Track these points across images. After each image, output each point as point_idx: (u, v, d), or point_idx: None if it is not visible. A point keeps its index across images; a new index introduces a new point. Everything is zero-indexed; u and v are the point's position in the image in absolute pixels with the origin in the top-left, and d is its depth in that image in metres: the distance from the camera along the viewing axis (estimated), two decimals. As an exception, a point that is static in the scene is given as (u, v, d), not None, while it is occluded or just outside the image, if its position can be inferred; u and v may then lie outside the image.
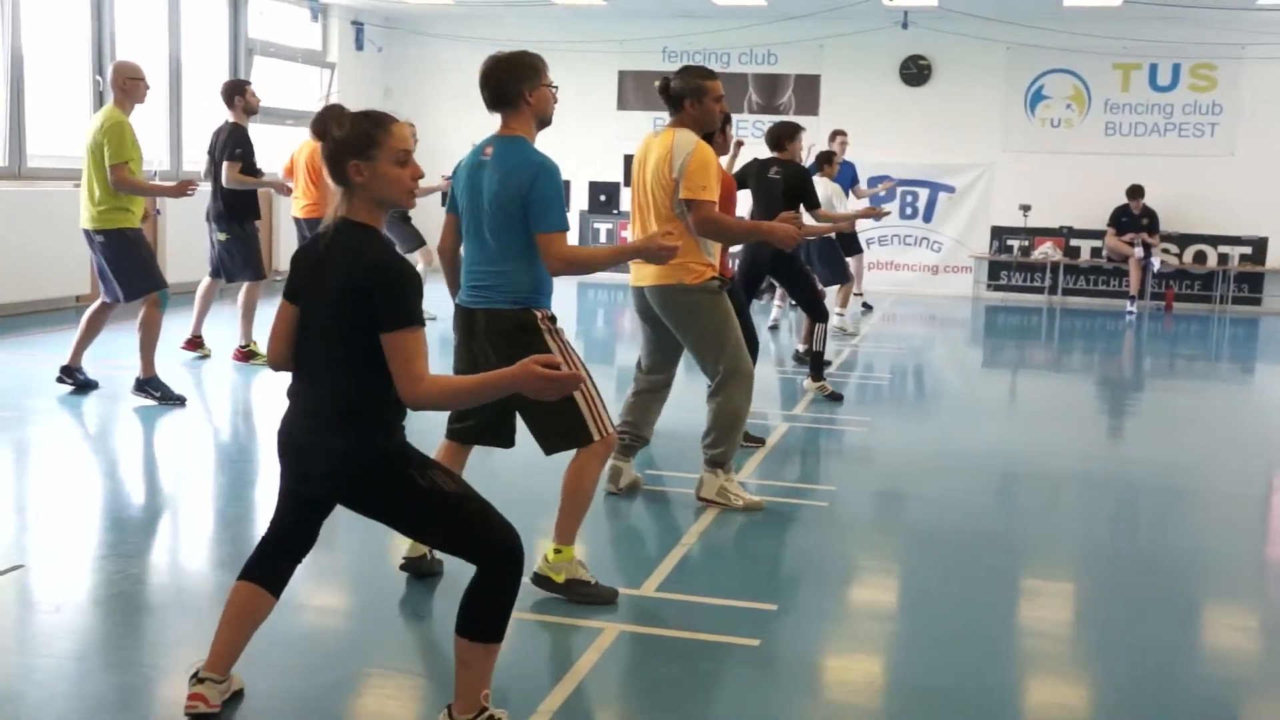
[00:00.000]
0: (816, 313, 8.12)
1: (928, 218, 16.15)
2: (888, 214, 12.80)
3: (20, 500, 5.67)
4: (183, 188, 7.54)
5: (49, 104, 11.65)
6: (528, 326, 4.14)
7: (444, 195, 13.73)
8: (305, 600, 4.23)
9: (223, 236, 8.73)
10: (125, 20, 12.34)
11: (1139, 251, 14.75)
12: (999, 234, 15.81)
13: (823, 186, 10.96)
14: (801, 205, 7.93)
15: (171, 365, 8.27)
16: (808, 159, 12.07)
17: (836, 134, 12.72)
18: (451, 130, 16.03)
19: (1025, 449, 7.29)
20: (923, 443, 7.35)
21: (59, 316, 10.87)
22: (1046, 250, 15.56)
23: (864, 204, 13.11)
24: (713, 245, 5.39)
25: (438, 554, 4.42)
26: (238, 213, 8.72)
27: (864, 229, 15.81)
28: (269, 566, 3.32)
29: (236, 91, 8.85)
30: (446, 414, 4.39)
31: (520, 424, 4.32)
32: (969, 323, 14.04)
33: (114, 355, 8.12)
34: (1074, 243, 15.61)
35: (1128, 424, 8.71)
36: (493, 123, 4.31)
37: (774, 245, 6.42)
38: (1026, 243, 15.63)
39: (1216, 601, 4.73)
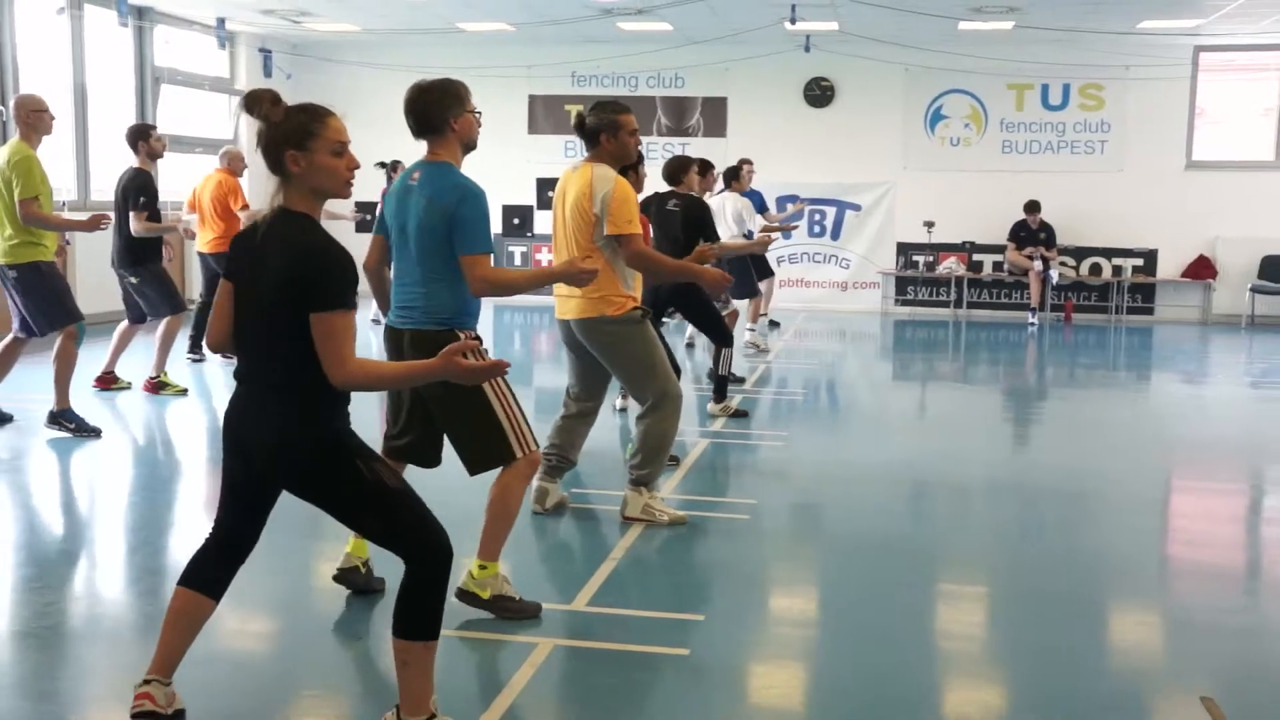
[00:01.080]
0: (721, 338, 8.21)
1: (835, 235, 16.54)
2: (794, 228, 13.15)
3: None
4: (95, 222, 7.47)
5: (-50, 135, 11.44)
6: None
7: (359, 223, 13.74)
8: (243, 622, 4.29)
9: (134, 280, 8.65)
10: (27, 49, 12.18)
11: (1038, 265, 15.27)
12: (905, 250, 16.25)
13: (733, 202, 11.23)
14: (700, 238, 8.02)
15: (85, 397, 8.20)
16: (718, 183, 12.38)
17: (743, 163, 13.06)
18: (361, 155, 16.06)
19: (935, 458, 7.55)
20: (838, 455, 7.59)
21: None
22: (950, 265, 16.03)
23: (763, 230, 13.40)
24: (632, 276, 5.52)
25: (374, 571, 4.52)
26: (141, 255, 8.63)
27: (774, 247, 16.18)
28: (208, 572, 3.40)
29: (141, 136, 8.75)
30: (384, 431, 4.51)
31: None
32: (878, 337, 14.41)
33: (28, 389, 8.02)
34: (976, 257, 16.11)
35: (1032, 431, 9.06)
36: (400, 147, 4.43)
37: (706, 287, 6.60)
38: (931, 258, 16.08)
39: (1121, 599, 4.97)
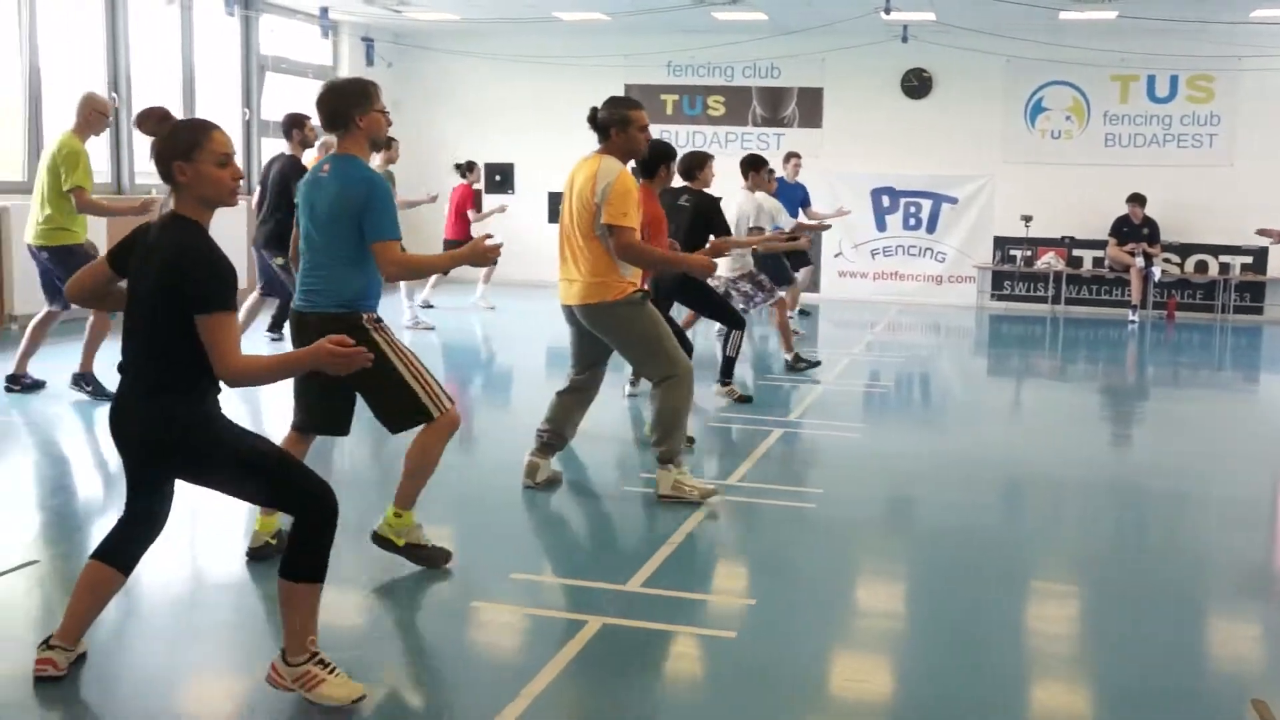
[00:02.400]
0: (733, 322, 8.21)
1: (931, 229, 16.32)
2: (827, 227, 13.14)
3: (36, 500, 5.87)
4: (144, 205, 7.83)
5: (65, 120, 11.90)
6: (353, 327, 4.42)
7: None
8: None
9: (280, 261, 9.02)
10: (139, 38, 12.62)
11: (1140, 261, 14.89)
12: (1002, 244, 15.98)
13: (767, 200, 11.16)
14: (711, 234, 8.01)
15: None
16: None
17: (791, 156, 13.02)
18: (458, 143, 16.34)
19: (1021, 454, 7.43)
20: (917, 448, 7.52)
21: (77, 327, 11.10)
22: (1049, 260, 15.72)
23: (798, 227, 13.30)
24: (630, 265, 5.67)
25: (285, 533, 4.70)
26: (287, 239, 8.95)
27: (868, 239, 16.07)
28: (119, 547, 3.63)
29: (296, 125, 9.13)
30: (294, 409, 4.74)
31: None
32: (972, 332, 14.20)
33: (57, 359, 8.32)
34: (1076, 253, 15.76)
35: (1130, 430, 8.85)
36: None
37: (693, 275, 6.80)
38: (1029, 253, 15.78)
39: (1220, 604, 4.82)
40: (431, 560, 4.69)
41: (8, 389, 7.83)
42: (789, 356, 9.94)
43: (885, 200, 16.13)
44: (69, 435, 7.16)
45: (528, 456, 5.96)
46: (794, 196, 12.89)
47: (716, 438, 7.40)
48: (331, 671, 3.45)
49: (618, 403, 8.18)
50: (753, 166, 9.86)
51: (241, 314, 9.37)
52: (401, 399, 4.51)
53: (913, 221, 16.35)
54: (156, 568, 4.52)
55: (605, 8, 14.63)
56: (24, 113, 11.29)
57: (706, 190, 8.24)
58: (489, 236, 4.69)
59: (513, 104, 16.74)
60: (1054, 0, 13.02)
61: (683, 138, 16.71)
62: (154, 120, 3.45)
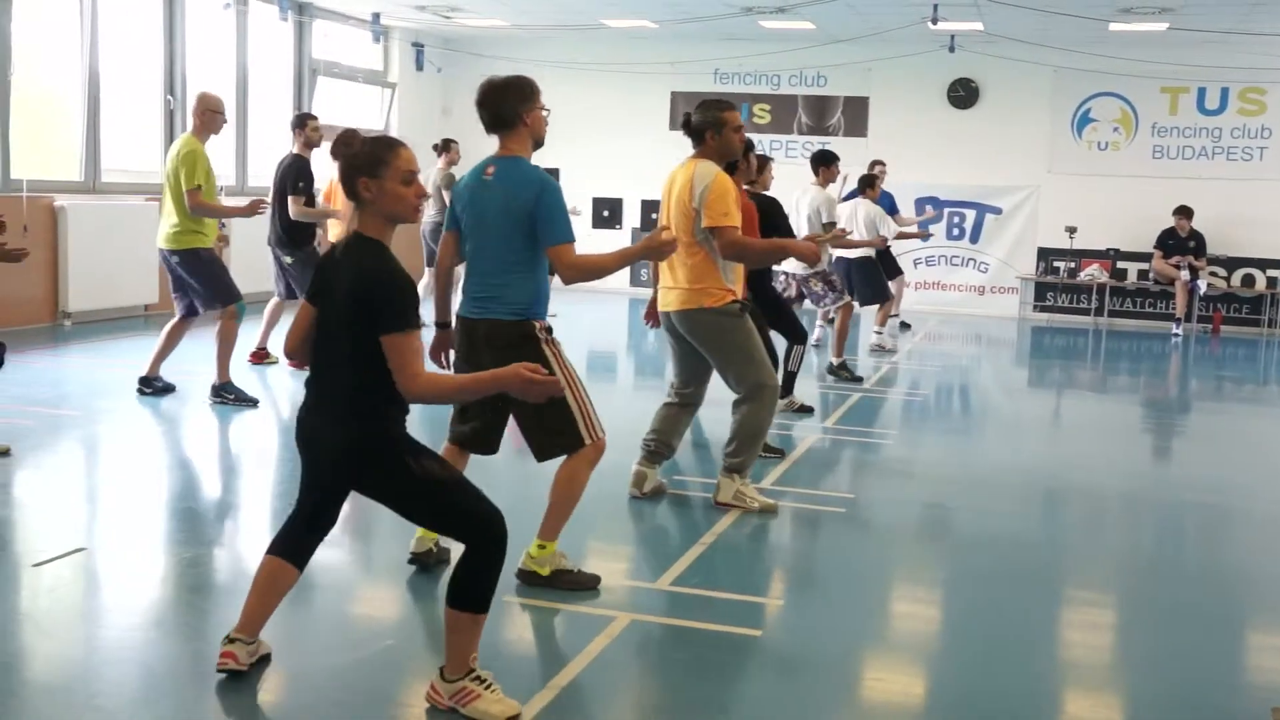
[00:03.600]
0: (795, 336, 8.10)
1: (974, 239, 16.30)
2: (929, 235, 12.95)
3: (87, 491, 6.08)
4: (253, 207, 8.00)
5: (122, 121, 12.22)
6: (526, 336, 4.40)
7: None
8: (340, 584, 4.57)
9: (289, 259, 9.16)
10: (195, 41, 12.90)
11: (1186, 274, 14.79)
12: (1045, 255, 15.92)
13: (865, 209, 11.23)
14: (775, 234, 8.00)
15: (240, 370, 8.69)
16: (845, 186, 12.40)
17: (875, 163, 12.97)
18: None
19: (1058, 464, 7.44)
20: (953, 457, 7.55)
21: (129, 324, 11.40)
22: (1093, 272, 15.63)
23: (907, 229, 13.32)
24: (733, 271, 5.66)
25: (443, 543, 4.75)
26: (298, 238, 9.13)
27: (910, 249, 16.05)
28: (292, 543, 3.70)
29: (298, 125, 9.26)
30: (449, 420, 4.73)
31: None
32: (1014, 343, 14.17)
33: (185, 362, 8.52)
34: (1120, 265, 15.68)
35: (1174, 444, 8.82)
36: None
37: (798, 258, 6.72)
38: (1073, 264, 15.71)
39: (1261, 618, 4.83)
40: (581, 585, 4.54)
41: (140, 392, 7.98)
42: (835, 361, 10.00)
43: (929, 209, 16.12)
44: (195, 436, 7.36)
45: (635, 466, 5.94)
46: (883, 203, 12.78)
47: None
48: (488, 688, 3.44)
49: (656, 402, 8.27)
50: (823, 162, 9.91)
51: (265, 315, 9.48)
52: (560, 420, 4.40)
53: (956, 231, 16.33)
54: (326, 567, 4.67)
55: (653, 15, 14.75)
56: (83, 114, 11.58)
57: (766, 192, 8.22)
58: (666, 228, 4.59)
59: (560, 110, 16.77)
60: (1104, 11, 12.98)
61: (728, 145, 16.77)
62: (343, 143, 3.51)
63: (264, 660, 3.74)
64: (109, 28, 11.75)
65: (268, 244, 9.36)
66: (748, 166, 7.12)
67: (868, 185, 11.50)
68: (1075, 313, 15.89)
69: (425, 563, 4.74)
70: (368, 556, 5.16)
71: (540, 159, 4.62)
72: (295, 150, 9.20)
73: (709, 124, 5.50)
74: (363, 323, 3.31)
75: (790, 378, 8.39)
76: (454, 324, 4.64)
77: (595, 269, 4.56)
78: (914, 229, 13.51)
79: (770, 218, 7.89)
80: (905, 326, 14.02)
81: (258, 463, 6.83)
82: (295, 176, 9.03)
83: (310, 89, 14.96)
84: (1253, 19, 13.01)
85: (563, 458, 4.54)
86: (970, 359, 12.60)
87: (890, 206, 13.05)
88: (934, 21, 13.39)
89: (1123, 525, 6.21)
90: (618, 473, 5.89)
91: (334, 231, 10.26)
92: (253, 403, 7.89)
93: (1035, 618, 4.62)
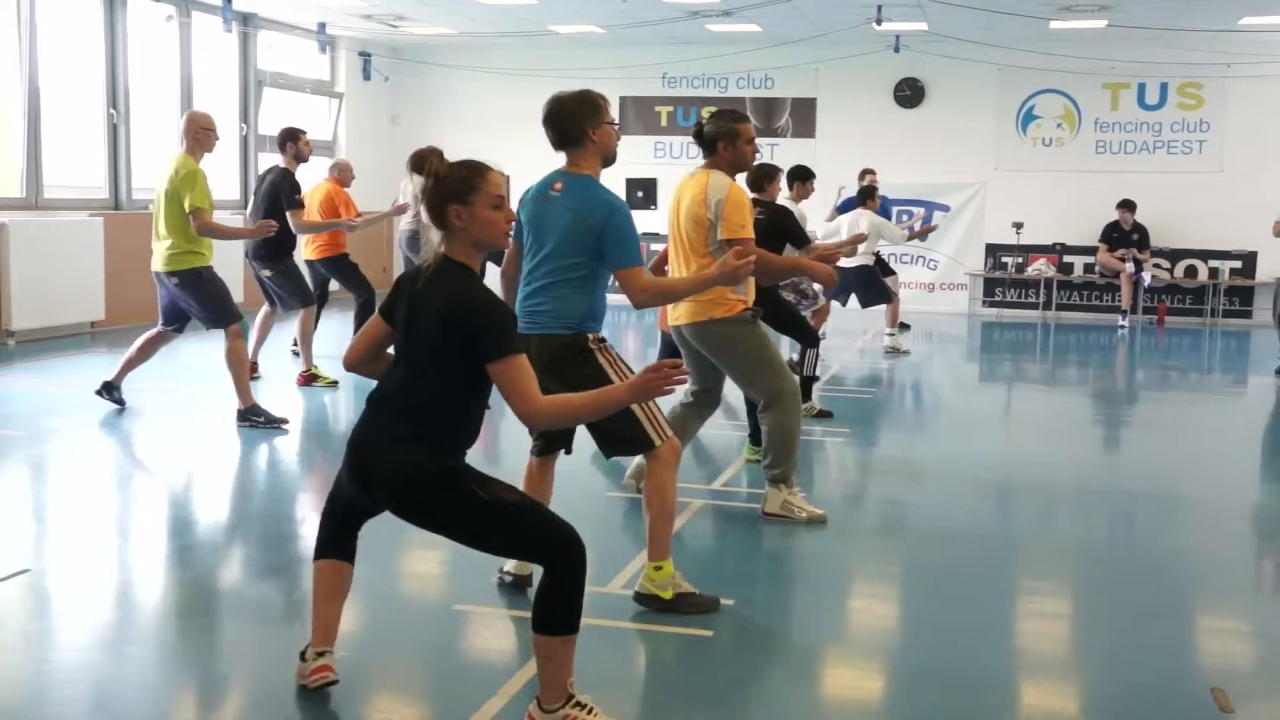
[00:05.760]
0: (805, 339, 8.14)
1: (923, 236, 16.42)
2: (933, 228, 13.02)
3: (33, 511, 6.01)
4: (264, 229, 7.94)
5: (64, 136, 12.08)
6: (579, 348, 4.35)
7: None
8: (293, 596, 4.56)
9: (267, 273, 9.07)
10: (137, 53, 12.78)
11: (1130, 267, 15.02)
12: (993, 251, 16.10)
13: (868, 219, 11.32)
14: (789, 245, 8.00)
15: (223, 390, 8.62)
16: (841, 195, 12.57)
17: (867, 173, 13.07)
18: (453, 155, 16.47)
19: (1011, 458, 7.53)
20: (907, 453, 7.64)
21: (74, 342, 11.27)
22: (1040, 267, 15.84)
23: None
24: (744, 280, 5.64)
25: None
26: (277, 251, 9.03)
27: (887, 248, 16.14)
28: (336, 541, 3.65)
29: (290, 139, 9.18)
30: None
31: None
32: (964, 338, 14.31)
33: (141, 379, 8.41)
34: (1067, 259, 15.90)
35: (1122, 434, 8.94)
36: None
37: (814, 280, 6.76)
38: (1020, 260, 15.91)
39: (1204, 601, 4.91)
40: (705, 607, 4.42)
41: (98, 393, 7.86)
42: (795, 358, 10.03)
43: (917, 212, 16.24)
44: (143, 455, 7.28)
45: (636, 460, 5.86)
46: (880, 210, 12.84)
47: (702, 442, 7.51)
48: (590, 713, 3.35)
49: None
50: (799, 177, 10.02)
51: (255, 331, 9.34)
52: (624, 424, 4.29)
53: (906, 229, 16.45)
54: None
55: (599, 20, 14.79)
56: (24, 130, 11.44)
57: (776, 202, 8.14)
58: (740, 252, 4.51)
59: (510, 116, 16.83)
60: (1044, 9, 13.16)
61: (677, 149, 16.88)
62: (434, 160, 3.36)
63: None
64: (48, 41, 11.62)
65: (246, 257, 9.34)
66: (773, 190, 7.52)
67: (868, 196, 11.62)
68: (1024, 307, 16.09)
69: (523, 585, 4.57)
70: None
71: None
72: (283, 165, 9.16)
73: (722, 134, 5.40)
74: (454, 351, 3.25)
75: (807, 382, 8.40)
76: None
77: (667, 292, 4.50)
78: (919, 226, 13.66)
79: (782, 229, 7.86)
80: (904, 326, 14.00)
81: (207, 481, 6.77)
82: (291, 190, 8.98)
83: (257, 100, 14.86)
84: (1189, 15, 13.24)
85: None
86: (921, 356, 12.71)
87: (883, 212, 13.14)
88: (878, 22, 13.53)
89: (1073, 517, 6.30)
90: (585, 479, 5.91)
91: (310, 248, 10.16)
92: (281, 424, 7.65)
93: (988, 610, 4.68)
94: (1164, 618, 4.62)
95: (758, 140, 5.72)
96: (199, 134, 7.66)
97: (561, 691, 3.34)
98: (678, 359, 3.27)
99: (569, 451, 4.65)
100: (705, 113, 5.49)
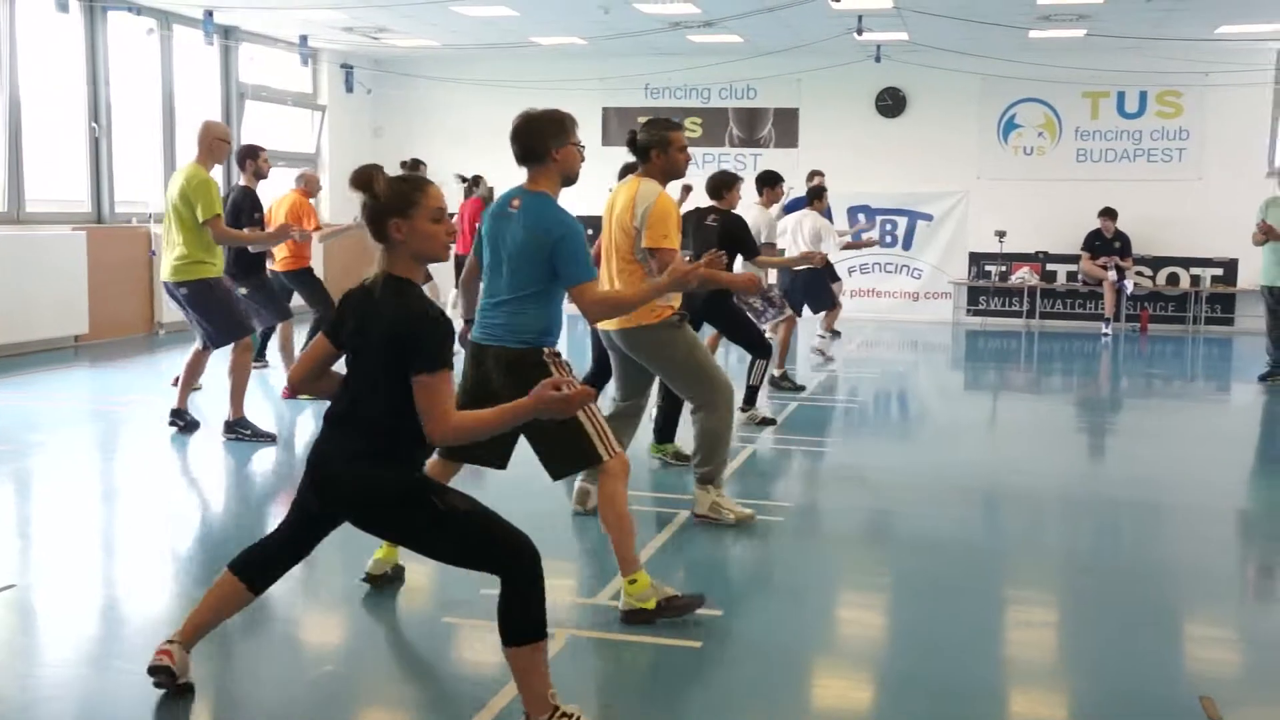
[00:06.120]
0: (758, 350, 8.16)
1: (907, 245, 16.52)
2: (874, 242, 13.03)
3: (17, 526, 5.97)
4: (283, 232, 7.94)
5: (46, 150, 12.04)
6: (533, 363, 4.40)
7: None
8: (278, 610, 4.55)
9: (243, 290, 9.03)
10: (119, 67, 12.74)
11: (1113, 275, 15.11)
12: (977, 260, 16.18)
13: (811, 220, 11.33)
14: (740, 253, 8.00)
15: (206, 401, 8.57)
16: (788, 196, 12.52)
17: (815, 174, 13.09)
18: (438, 166, 16.49)
19: (993, 467, 7.55)
20: (891, 462, 7.65)
21: (57, 356, 11.21)
22: (1023, 275, 15.91)
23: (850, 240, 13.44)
24: None
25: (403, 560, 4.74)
26: (249, 267, 9.00)
27: (844, 257, 16.18)
28: (260, 566, 3.66)
29: (249, 156, 9.12)
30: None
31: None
32: (949, 347, 14.37)
33: (130, 392, 8.42)
34: (1050, 267, 15.98)
35: (1106, 442, 8.98)
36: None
37: (735, 291, 6.80)
38: (1004, 268, 15.98)
39: (1189, 608, 4.93)
40: (690, 607, 4.45)
41: (172, 424, 7.80)
42: (777, 373, 10.08)
43: (861, 218, 16.31)
44: (129, 469, 7.25)
45: (579, 482, 5.93)
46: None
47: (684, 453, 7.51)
48: None
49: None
50: (767, 183, 10.05)
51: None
52: (574, 439, 4.38)
53: (889, 239, 16.54)
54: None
55: (581, 32, 14.82)
56: (5, 144, 11.39)
57: (734, 210, 8.19)
58: (689, 259, 4.54)
59: (492, 128, 16.75)
60: (1024, 19, 13.24)
61: (661, 159, 16.88)
62: (365, 179, 3.39)
63: (187, 690, 3.69)
64: (29, 55, 11.58)
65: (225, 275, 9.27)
66: (732, 195, 7.67)
67: (815, 196, 11.60)
68: (1007, 315, 16.16)
69: (379, 584, 4.73)
70: (309, 582, 5.12)
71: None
72: (243, 182, 9.12)
73: (654, 143, 5.50)
74: (399, 364, 3.27)
75: (752, 391, 8.44)
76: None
77: (619, 304, 4.59)
78: (855, 238, 13.62)
79: (735, 237, 7.91)
80: (836, 334, 14.10)
81: (193, 494, 6.75)
82: (250, 208, 8.94)
83: (239, 113, 14.83)
84: (1167, 24, 13.34)
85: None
86: (906, 365, 12.77)
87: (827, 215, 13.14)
88: (859, 32, 13.59)
89: (1059, 525, 6.32)
90: (556, 490, 5.89)
91: (275, 258, 10.13)
92: (270, 439, 7.64)
93: (976, 619, 4.69)
94: (1151, 626, 4.64)
95: (741, 150, 5.80)
96: (214, 144, 7.69)
97: (545, 703, 3.35)
98: (559, 380, 3.33)
99: (501, 466, 4.69)
100: (690, 122, 5.53)
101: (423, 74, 17.13)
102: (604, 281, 5.67)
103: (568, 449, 4.43)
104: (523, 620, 3.32)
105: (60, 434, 7.72)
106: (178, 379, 9.19)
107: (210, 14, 13.30)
